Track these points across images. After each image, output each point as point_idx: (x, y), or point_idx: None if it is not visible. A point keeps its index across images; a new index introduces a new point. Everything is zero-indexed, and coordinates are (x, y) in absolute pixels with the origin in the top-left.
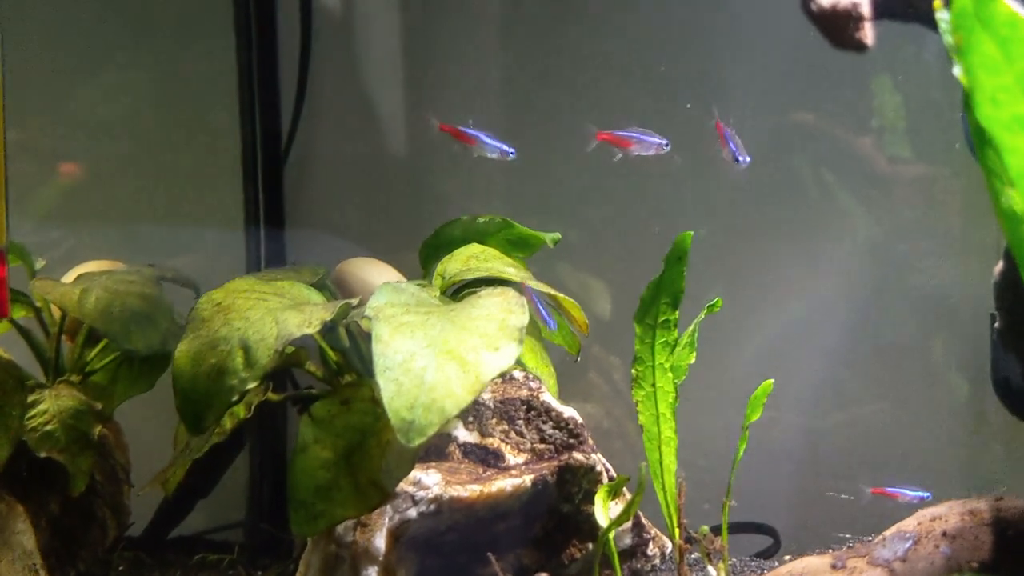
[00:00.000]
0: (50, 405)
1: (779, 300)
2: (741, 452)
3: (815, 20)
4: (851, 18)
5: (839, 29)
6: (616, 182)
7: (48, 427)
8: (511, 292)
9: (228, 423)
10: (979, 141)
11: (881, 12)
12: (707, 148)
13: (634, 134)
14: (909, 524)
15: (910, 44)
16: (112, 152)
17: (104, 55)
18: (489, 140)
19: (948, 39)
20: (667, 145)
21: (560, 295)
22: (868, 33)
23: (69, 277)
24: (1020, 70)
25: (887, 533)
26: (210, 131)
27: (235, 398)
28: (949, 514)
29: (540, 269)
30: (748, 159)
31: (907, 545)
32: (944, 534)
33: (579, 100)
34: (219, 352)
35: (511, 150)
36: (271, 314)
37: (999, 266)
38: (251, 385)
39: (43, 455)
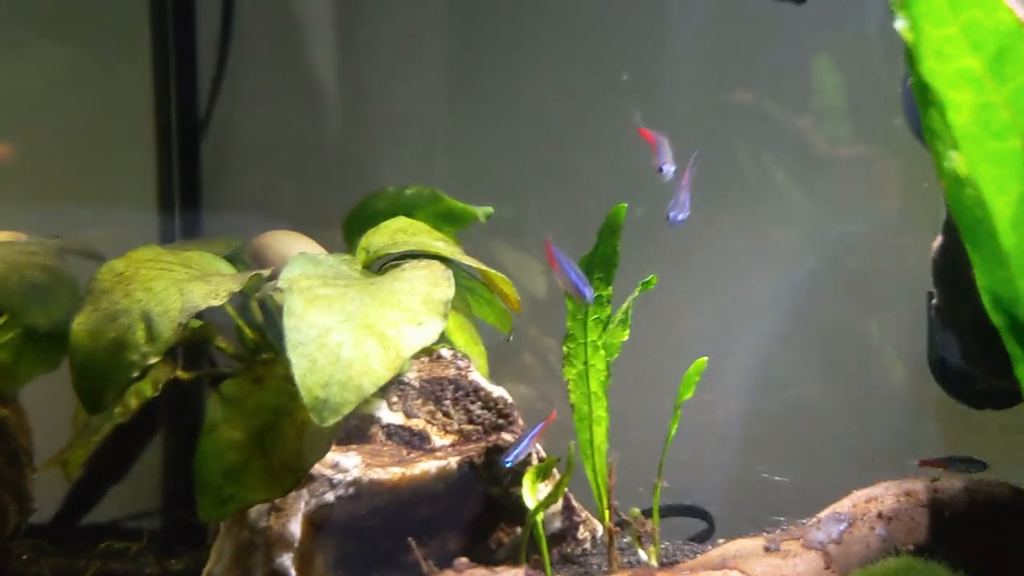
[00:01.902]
0: None
1: (716, 280)
2: (673, 431)
3: None
4: None
5: None
6: (555, 158)
7: None
8: (437, 265)
9: (134, 402)
10: (922, 100)
11: None
12: (645, 126)
13: (662, 142)
14: (844, 506)
15: (851, 24)
16: (19, 127)
17: (12, 28)
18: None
19: None
20: (667, 170)
21: (490, 270)
22: None
23: None
24: (966, 20)
25: (822, 515)
26: (123, 105)
27: (136, 374)
28: (885, 495)
29: (473, 246)
30: (672, 170)
31: (842, 527)
32: (880, 516)
33: (516, 71)
34: (119, 325)
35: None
36: (176, 285)
37: (937, 240)
38: (153, 360)
39: None
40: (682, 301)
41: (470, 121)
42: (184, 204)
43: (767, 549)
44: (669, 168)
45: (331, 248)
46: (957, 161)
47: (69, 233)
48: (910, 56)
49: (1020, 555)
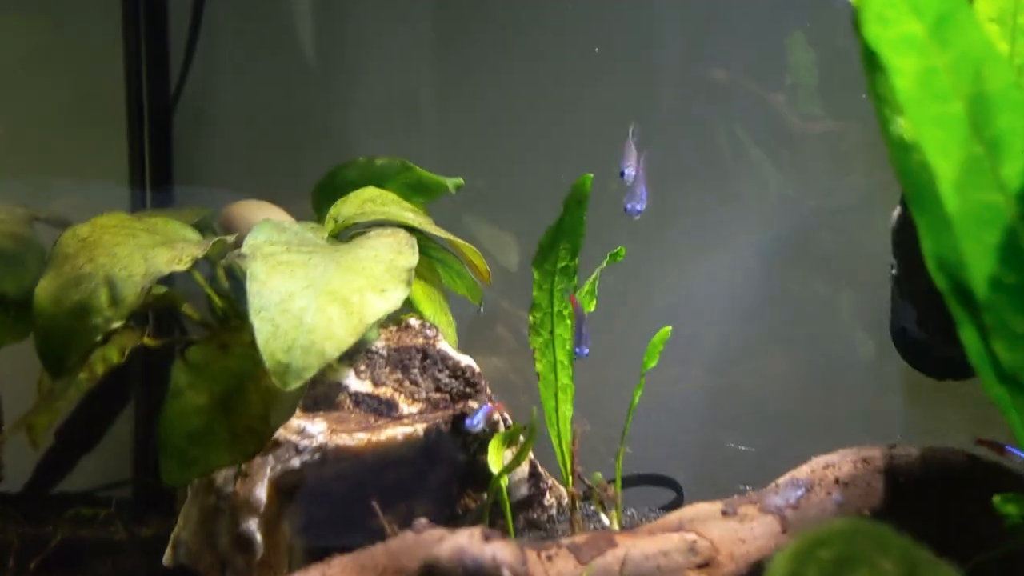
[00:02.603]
0: None
1: (688, 253)
2: (636, 399)
3: None
4: None
5: None
6: (526, 131)
7: None
8: (402, 233)
9: (100, 368)
10: (869, 65)
11: None
12: (618, 101)
13: (628, 147)
14: (803, 472)
15: (822, 1)
16: None
17: None
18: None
19: None
20: (628, 174)
21: (460, 241)
22: None
23: None
24: None
25: (780, 480)
26: (95, 79)
27: (99, 338)
28: (842, 462)
29: (445, 219)
30: (632, 174)
31: (799, 492)
32: (837, 481)
33: (492, 45)
34: (82, 289)
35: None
36: (140, 250)
37: (896, 211)
38: (116, 324)
39: None
40: (654, 274)
41: (445, 94)
42: (155, 178)
43: (724, 513)
44: (630, 172)
45: (301, 218)
46: (902, 126)
47: (40, 206)
48: (855, 21)
49: (973, 518)
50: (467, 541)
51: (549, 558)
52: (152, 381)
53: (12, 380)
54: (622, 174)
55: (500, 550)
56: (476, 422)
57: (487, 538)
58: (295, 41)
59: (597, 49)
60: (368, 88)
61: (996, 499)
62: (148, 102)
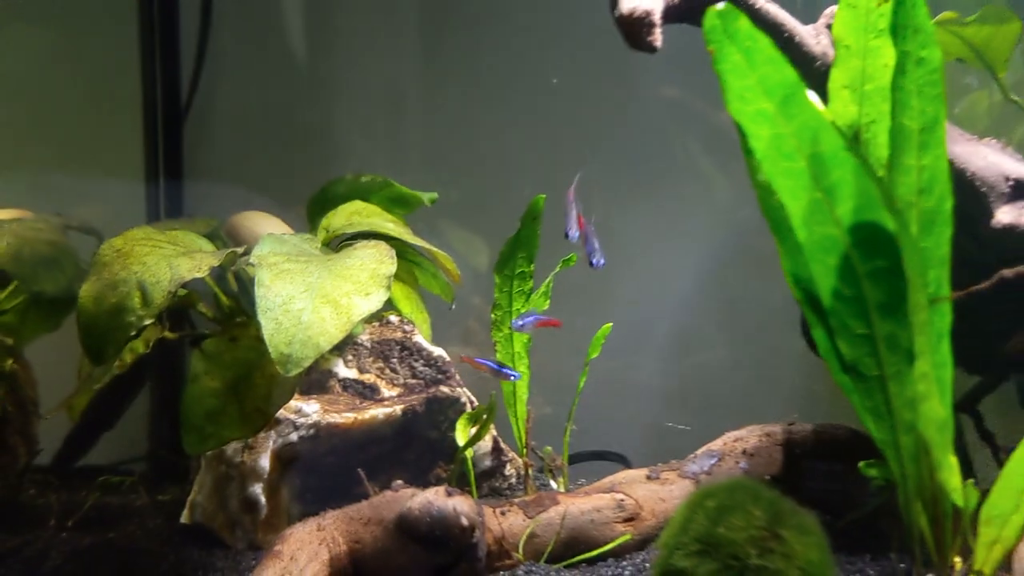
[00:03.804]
0: None
1: (640, 256)
2: (582, 384)
3: (618, 25)
4: (644, 24)
5: (635, 34)
6: (494, 150)
7: None
8: (383, 245)
9: (128, 357)
10: (737, 130)
11: (669, 19)
12: (577, 123)
13: (570, 209)
14: (716, 444)
15: None
16: (13, 105)
17: (5, 8)
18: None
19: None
20: (572, 235)
21: (434, 249)
22: (658, 38)
23: None
24: (761, 74)
25: (698, 452)
26: (112, 86)
27: (133, 333)
28: (749, 436)
29: (425, 226)
30: (576, 235)
31: (712, 461)
32: (744, 452)
33: (466, 75)
34: (119, 293)
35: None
36: (165, 260)
37: None
38: (147, 322)
39: None
40: (609, 273)
41: (427, 120)
42: (167, 176)
43: (649, 477)
44: (573, 233)
45: (296, 222)
46: (762, 176)
47: (68, 200)
48: (724, 98)
49: (853, 481)
50: (433, 496)
51: (503, 513)
52: (164, 366)
53: (42, 365)
54: (566, 235)
55: (460, 503)
56: (522, 323)
57: (450, 494)
58: (291, 58)
59: (555, 80)
60: (357, 107)
61: (861, 464)
62: (162, 108)
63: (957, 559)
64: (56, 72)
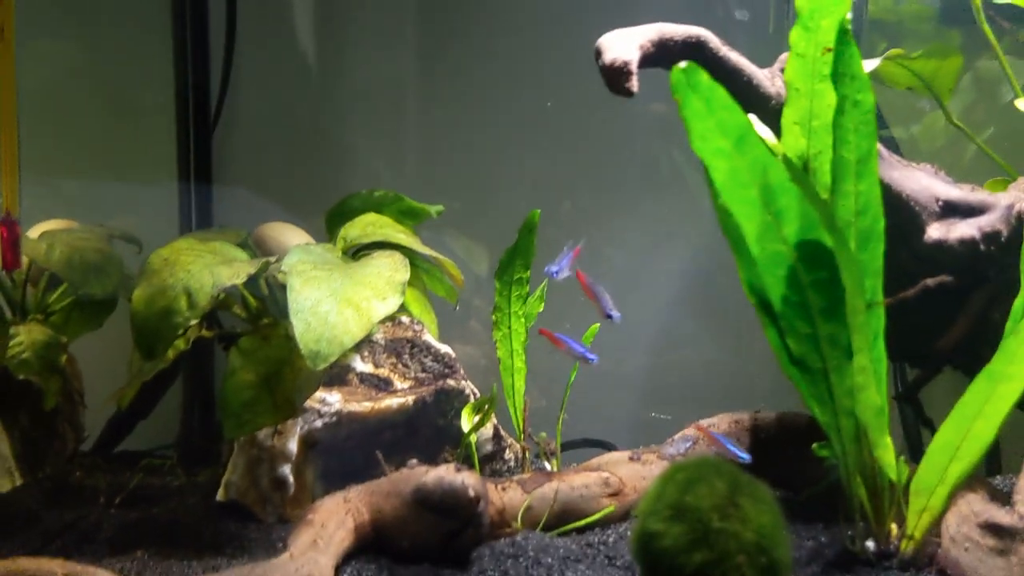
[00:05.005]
0: (25, 338)
1: (630, 257)
2: (572, 378)
3: (601, 72)
4: (623, 73)
5: (616, 81)
6: (496, 166)
7: (24, 355)
8: (398, 255)
9: (171, 354)
10: (701, 162)
11: (643, 66)
12: (573, 139)
13: (600, 293)
14: (691, 430)
15: (746, 33)
16: (49, 116)
17: (40, 20)
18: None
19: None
20: (615, 316)
21: (441, 256)
22: (635, 84)
23: (33, 234)
24: (719, 118)
25: (675, 437)
26: (145, 97)
27: (180, 332)
28: (720, 422)
29: (431, 234)
30: (556, 272)
31: (688, 444)
32: None
33: (470, 96)
34: (167, 296)
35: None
36: (208, 268)
37: None
38: (193, 323)
39: (21, 377)
40: (601, 274)
41: (434, 134)
42: (198, 189)
43: (631, 459)
44: (616, 314)
45: (314, 230)
46: (722, 201)
47: (106, 208)
48: (689, 137)
49: (811, 462)
50: (445, 471)
51: (503, 489)
52: (196, 361)
53: (85, 361)
54: (550, 273)
55: (468, 477)
56: (556, 271)
57: (459, 470)
58: (310, 72)
59: (549, 104)
60: (372, 118)
61: (814, 446)
62: (193, 119)
63: (893, 526)
64: (89, 83)
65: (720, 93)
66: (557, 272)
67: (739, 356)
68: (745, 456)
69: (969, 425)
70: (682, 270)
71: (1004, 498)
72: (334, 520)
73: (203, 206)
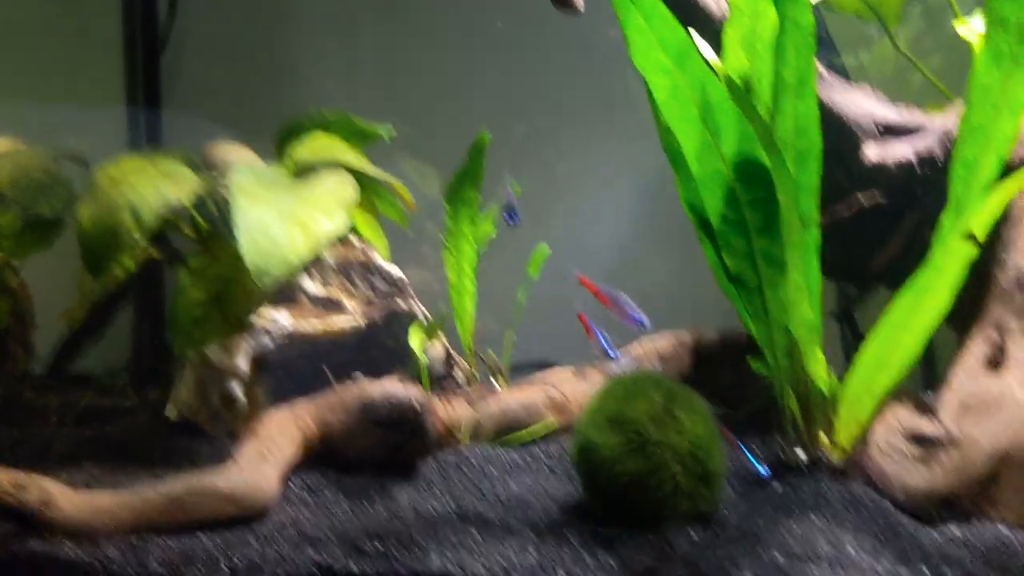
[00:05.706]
0: None
1: (583, 181)
2: (523, 298)
3: None
4: None
5: None
6: (451, 87)
7: None
8: (345, 173)
9: (120, 273)
10: (644, 80)
11: None
12: (525, 61)
13: (622, 301)
14: (636, 348)
15: None
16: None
17: None
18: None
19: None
20: (644, 321)
21: (391, 178)
22: (580, 2)
23: None
24: (658, 34)
25: (619, 352)
26: (93, 20)
27: (127, 250)
28: (663, 340)
29: (383, 157)
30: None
31: (631, 362)
32: (659, 355)
33: (422, 19)
34: (114, 215)
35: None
36: (154, 186)
37: None
38: (141, 241)
39: None
40: (554, 197)
41: (385, 57)
42: (147, 109)
43: (575, 375)
44: (642, 319)
45: (264, 151)
46: (663, 119)
47: (52, 130)
48: (630, 52)
49: (751, 378)
50: (391, 385)
51: (450, 402)
52: (146, 285)
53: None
54: (639, 323)
55: (413, 391)
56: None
57: (403, 383)
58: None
59: (499, 24)
60: (323, 39)
61: (749, 360)
62: (141, 42)
63: (824, 437)
64: (36, 4)
65: (661, 9)
66: (518, 220)
67: (688, 276)
68: (616, 354)
69: (896, 337)
70: (632, 192)
71: (931, 411)
72: (281, 432)
73: (152, 128)
